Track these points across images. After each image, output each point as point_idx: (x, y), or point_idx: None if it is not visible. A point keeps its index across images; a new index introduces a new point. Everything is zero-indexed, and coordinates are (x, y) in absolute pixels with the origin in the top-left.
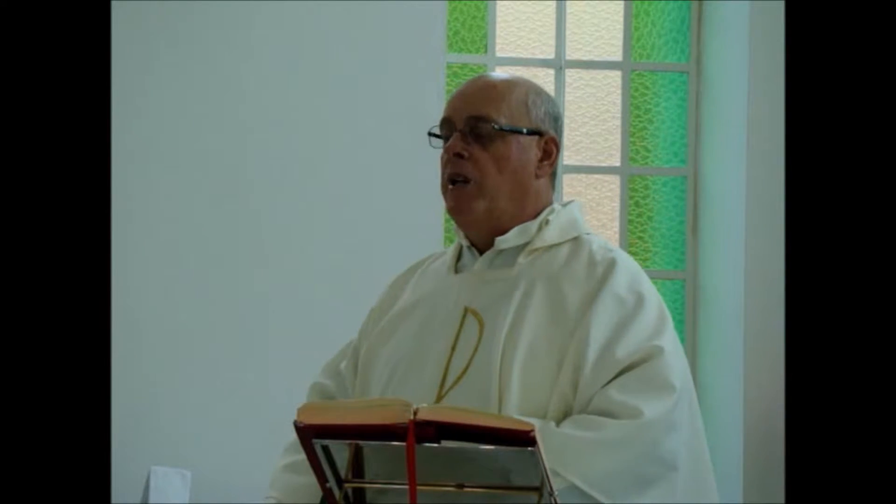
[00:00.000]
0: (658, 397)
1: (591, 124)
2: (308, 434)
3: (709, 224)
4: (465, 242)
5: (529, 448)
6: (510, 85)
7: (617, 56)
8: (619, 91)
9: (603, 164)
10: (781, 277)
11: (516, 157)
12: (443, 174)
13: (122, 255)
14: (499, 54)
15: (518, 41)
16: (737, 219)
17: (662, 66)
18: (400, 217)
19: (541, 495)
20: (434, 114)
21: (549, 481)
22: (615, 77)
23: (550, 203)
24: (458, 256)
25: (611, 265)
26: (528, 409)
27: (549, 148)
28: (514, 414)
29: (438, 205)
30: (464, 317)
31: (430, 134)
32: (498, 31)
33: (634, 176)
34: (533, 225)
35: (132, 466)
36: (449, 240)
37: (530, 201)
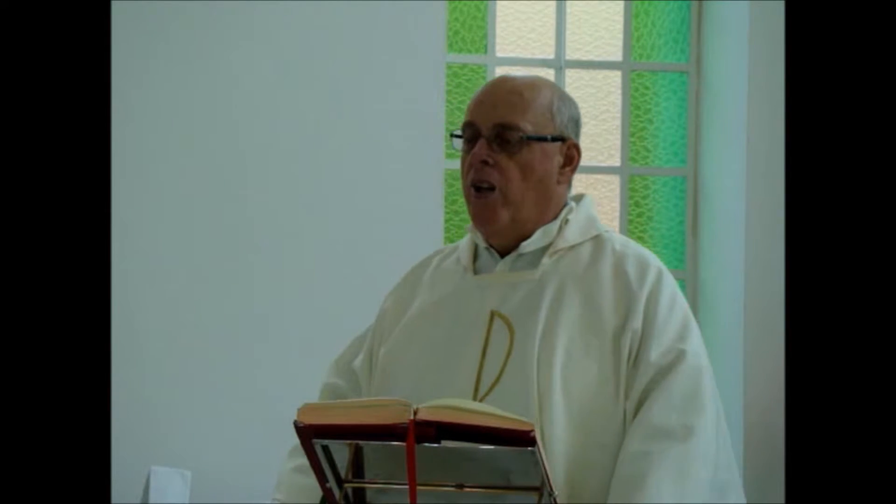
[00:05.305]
0: (699, 410)
1: (592, 124)
2: (308, 434)
3: (709, 224)
4: (483, 244)
5: (529, 448)
6: (535, 90)
7: (617, 56)
8: (619, 91)
9: (603, 164)
10: (781, 277)
11: (540, 164)
12: (465, 179)
13: (122, 255)
14: (499, 54)
15: (518, 41)
16: (737, 219)
17: (662, 66)
18: (400, 217)
19: (541, 495)
20: (434, 114)
21: (548, 481)
22: (615, 77)
23: (567, 203)
24: (475, 256)
25: (643, 268)
26: (572, 413)
27: (571, 153)
28: (561, 420)
29: (438, 205)
30: (491, 321)
31: (452, 135)
32: (498, 31)
33: (634, 176)
34: (553, 226)
35: (132, 466)
36: (449, 239)
37: (552, 207)
